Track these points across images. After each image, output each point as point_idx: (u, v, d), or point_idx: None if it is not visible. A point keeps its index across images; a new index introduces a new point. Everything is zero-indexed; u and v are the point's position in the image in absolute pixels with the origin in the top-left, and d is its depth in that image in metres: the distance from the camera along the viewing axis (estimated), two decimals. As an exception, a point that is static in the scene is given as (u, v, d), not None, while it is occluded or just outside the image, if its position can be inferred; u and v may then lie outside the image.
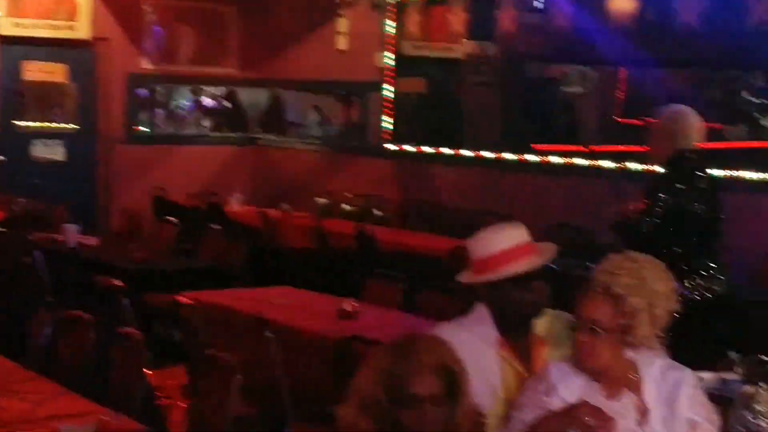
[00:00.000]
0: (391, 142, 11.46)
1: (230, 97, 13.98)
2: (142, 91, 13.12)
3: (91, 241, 9.04)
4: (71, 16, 12.03)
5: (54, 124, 12.50)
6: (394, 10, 11.31)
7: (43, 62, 12.26)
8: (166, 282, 7.87)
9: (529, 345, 3.43)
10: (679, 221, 5.56)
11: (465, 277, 3.47)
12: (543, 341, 3.43)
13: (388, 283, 6.82)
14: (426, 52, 11.84)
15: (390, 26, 11.33)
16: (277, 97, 13.71)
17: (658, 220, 5.53)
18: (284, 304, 6.44)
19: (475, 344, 3.33)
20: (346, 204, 11.45)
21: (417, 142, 11.26)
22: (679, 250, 5.44)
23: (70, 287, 8.02)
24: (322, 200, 11.69)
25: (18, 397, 4.49)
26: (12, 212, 9.67)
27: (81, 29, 12.11)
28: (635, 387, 3.15)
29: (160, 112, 13.74)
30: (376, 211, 10.84)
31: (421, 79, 12.02)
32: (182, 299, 6.18)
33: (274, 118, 13.77)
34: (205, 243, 9.05)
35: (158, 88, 13.52)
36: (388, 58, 11.39)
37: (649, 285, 3.11)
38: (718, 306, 5.62)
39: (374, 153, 11.66)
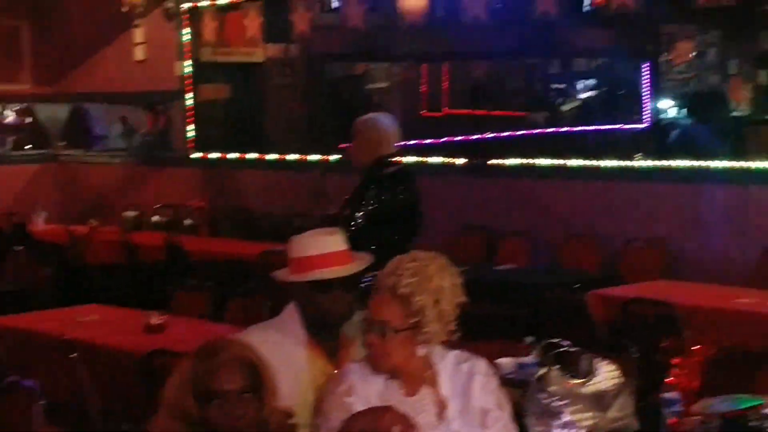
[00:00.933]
0: (196, 150, 11.39)
1: (27, 113, 13.62)
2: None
3: None
4: None
5: None
6: (188, 17, 11.23)
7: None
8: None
9: (336, 344, 3.49)
10: (384, 220, 6.02)
11: (279, 275, 3.51)
12: (351, 342, 3.48)
13: (197, 293, 6.80)
14: (225, 58, 11.82)
15: (186, 34, 11.25)
16: (80, 110, 13.45)
17: (362, 222, 5.97)
18: (90, 322, 6.33)
19: (283, 343, 3.37)
20: (155, 215, 11.32)
21: (223, 149, 11.23)
22: (388, 242, 5.81)
23: None
24: (130, 213, 11.52)
25: None
26: None
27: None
28: (431, 382, 3.22)
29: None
30: (185, 221, 10.76)
31: (225, 85, 11.98)
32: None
33: (77, 133, 13.49)
34: (9, 264, 8.82)
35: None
36: (187, 66, 11.31)
37: (434, 282, 3.18)
38: None
39: (180, 162, 11.57)
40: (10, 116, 13.60)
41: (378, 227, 5.97)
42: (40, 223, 11.19)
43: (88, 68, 12.75)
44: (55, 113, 13.49)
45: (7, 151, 13.36)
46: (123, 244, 9.67)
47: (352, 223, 5.92)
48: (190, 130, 11.41)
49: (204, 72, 11.56)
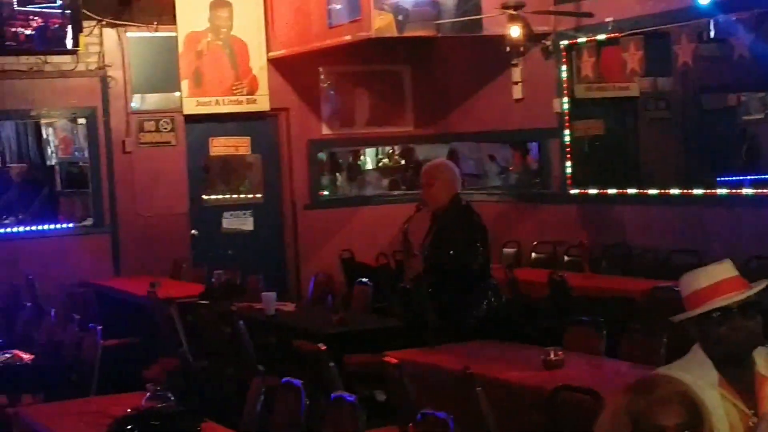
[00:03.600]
0: (573, 186, 11.39)
1: (407, 154, 14.15)
2: (323, 156, 13.41)
3: (289, 307, 9.26)
4: (251, 90, 12.42)
5: (241, 195, 12.87)
6: (566, 53, 11.28)
7: (228, 137, 12.68)
8: (363, 343, 8.01)
9: (749, 382, 3.37)
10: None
11: (677, 316, 3.46)
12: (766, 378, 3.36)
13: (589, 330, 6.77)
14: (600, 93, 11.79)
15: (564, 71, 11.30)
16: (453, 150, 13.81)
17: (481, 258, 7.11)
18: (486, 357, 6.46)
19: (698, 384, 3.29)
20: (534, 252, 11.42)
21: (598, 185, 11.16)
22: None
23: (273, 354, 8.24)
24: (509, 250, 11.69)
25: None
26: (210, 284, 9.98)
27: (261, 102, 12.49)
28: None
29: (341, 175, 14.03)
30: (565, 257, 10.78)
31: (599, 121, 11.94)
32: (389, 359, 6.26)
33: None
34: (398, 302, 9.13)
35: (338, 151, 13.79)
36: (564, 103, 11.35)
37: None
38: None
39: (557, 199, 11.61)
40: (383, 159, 14.25)
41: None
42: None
43: (463, 109, 13.07)
44: (431, 154, 13.89)
45: (384, 192, 13.91)
46: (508, 280, 9.80)
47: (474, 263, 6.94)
48: (568, 167, 11.41)
49: (579, 108, 11.56)
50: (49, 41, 11.36)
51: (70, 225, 12.17)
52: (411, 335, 7.19)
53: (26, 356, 7.19)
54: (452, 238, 7.02)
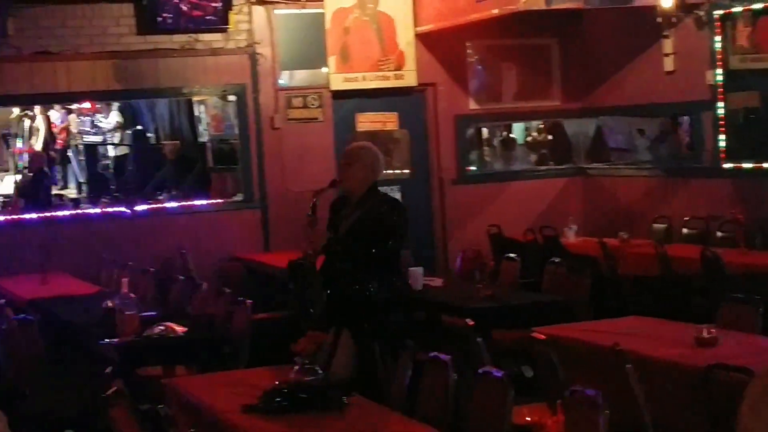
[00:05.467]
0: (727, 160, 11.08)
1: (555, 128, 13.99)
2: (470, 131, 13.35)
3: (436, 282, 9.25)
4: (398, 66, 12.44)
5: (388, 171, 12.90)
6: (720, 24, 10.96)
7: (375, 113, 12.71)
8: (511, 318, 7.96)
9: None
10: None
11: None
12: None
13: (744, 307, 6.58)
14: (756, 65, 11.41)
15: (718, 41, 10.98)
16: (599, 125, 13.61)
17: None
18: (638, 333, 6.34)
19: None
20: (685, 228, 11.16)
21: (753, 158, 10.84)
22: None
23: (420, 328, 8.24)
24: (659, 225, 11.46)
25: (391, 440, 4.64)
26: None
27: (408, 77, 12.49)
28: None
29: (488, 150, 13.96)
30: (717, 233, 10.51)
31: (754, 93, 11.57)
32: (537, 335, 6.19)
33: (596, 146, 13.66)
34: (546, 277, 9.06)
35: (485, 126, 13.73)
36: (718, 75, 11.04)
37: None
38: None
39: (710, 173, 11.32)
40: (532, 135, 14.14)
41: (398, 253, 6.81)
42: (571, 236, 11.45)
43: (612, 82, 12.84)
44: (580, 128, 13.72)
45: (532, 167, 13.80)
46: (658, 256, 9.60)
47: (374, 250, 6.49)
48: (721, 141, 11.11)
49: (733, 80, 11.22)
50: (200, 20, 11.58)
51: (221, 201, 12.39)
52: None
53: (179, 328, 7.33)
54: (378, 230, 6.58)
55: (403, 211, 6.78)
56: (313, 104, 12.26)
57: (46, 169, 14.02)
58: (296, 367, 5.37)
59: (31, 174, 13.68)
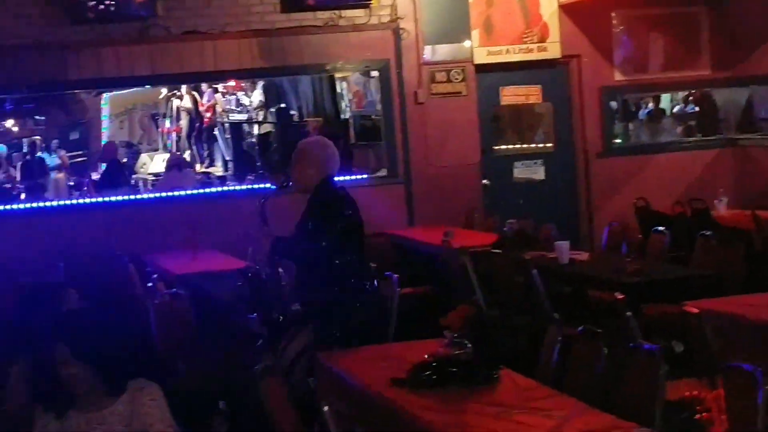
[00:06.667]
0: None
1: (703, 99, 13.66)
2: (615, 103, 13.13)
3: (582, 256, 9.13)
4: (542, 38, 12.29)
5: (531, 145, 12.80)
6: None
7: (518, 86, 12.60)
8: (660, 293, 7.80)
9: None
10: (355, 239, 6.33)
11: None
12: None
13: None
14: None
15: None
16: (750, 94, 13.23)
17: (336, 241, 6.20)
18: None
19: None
20: None
21: None
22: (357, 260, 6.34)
23: (566, 303, 8.15)
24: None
25: (542, 414, 4.58)
26: (503, 234, 9.97)
27: (552, 49, 12.34)
28: None
29: (633, 122, 13.72)
30: None
31: None
32: (690, 308, 6.05)
33: (747, 117, 13.30)
34: (697, 250, 8.85)
35: (631, 98, 13.49)
36: None
37: None
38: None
39: None
40: (678, 106, 13.82)
41: (348, 246, 6.25)
42: (722, 209, 11.18)
43: (765, 50, 12.47)
44: (731, 98, 13.37)
45: (679, 138, 13.52)
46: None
47: (324, 243, 6.11)
48: None
49: None
50: (343, -4, 11.65)
51: (365, 176, 12.45)
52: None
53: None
54: (313, 226, 6.32)
55: (350, 205, 6.41)
56: (456, 78, 12.20)
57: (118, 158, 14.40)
58: (445, 341, 5.34)
59: (105, 164, 14.04)
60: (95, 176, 15.13)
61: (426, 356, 5.26)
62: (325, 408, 4.64)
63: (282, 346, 6.29)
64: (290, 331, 6.40)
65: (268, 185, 11.90)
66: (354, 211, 6.39)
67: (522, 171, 12.71)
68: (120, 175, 13.85)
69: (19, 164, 16.76)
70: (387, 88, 12.21)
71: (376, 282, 6.66)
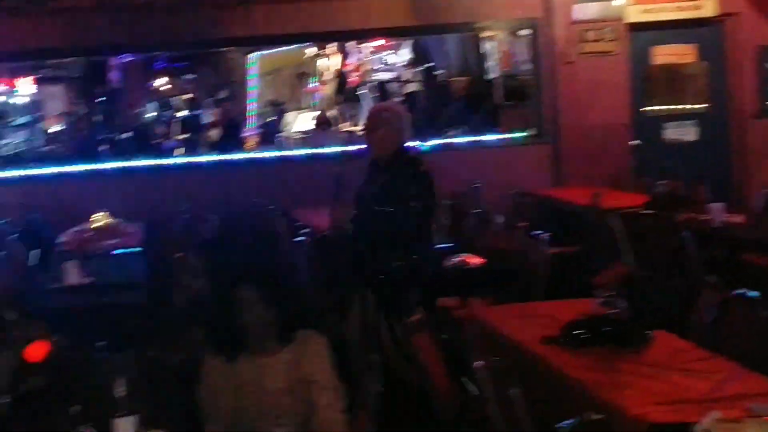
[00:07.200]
0: None
1: None
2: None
3: (737, 218, 8.89)
4: (698, -5, 12.01)
5: (684, 106, 12.51)
6: None
7: (671, 45, 12.31)
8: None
9: None
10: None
11: None
12: None
13: None
14: None
15: None
16: None
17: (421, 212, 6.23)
18: None
19: None
20: None
21: None
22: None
23: (719, 266, 7.96)
24: None
25: (698, 376, 4.49)
26: (655, 195, 9.79)
27: (708, 7, 12.01)
28: None
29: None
30: None
31: None
32: None
33: None
34: None
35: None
36: None
37: None
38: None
39: None
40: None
41: (422, 213, 6.25)
42: None
43: None
44: None
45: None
46: None
47: (398, 209, 6.12)
48: None
49: None
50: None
51: (511, 136, 12.36)
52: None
53: (476, 260, 7.38)
54: (400, 194, 6.27)
55: (430, 176, 6.42)
56: (607, 37, 11.99)
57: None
58: (598, 300, 5.27)
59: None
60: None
61: (578, 315, 5.20)
62: (479, 363, 4.63)
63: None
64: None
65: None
66: (429, 179, 6.37)
67: (673, 132, 12.45)
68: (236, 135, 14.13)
69: (175, 122, 17.11)
70: (536, 48, 12.08)
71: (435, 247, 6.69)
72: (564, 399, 4.57)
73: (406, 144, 6.58)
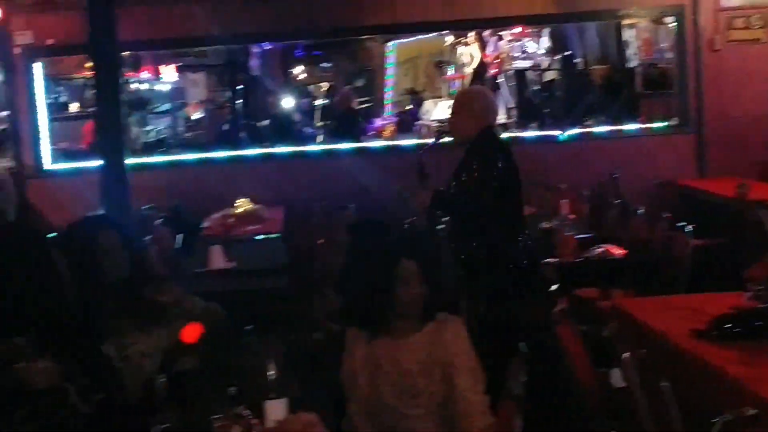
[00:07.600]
0: None
1: None
2: None
3: None
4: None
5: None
6: None
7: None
8: None
9: None
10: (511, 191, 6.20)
11: None
12: None
13: None
14: None
15: None
16: None
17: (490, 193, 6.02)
18: None
19: None
20: None
21: None
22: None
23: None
24: None
25: None
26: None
27: None
28: None
29: None
30: None
31: None
32: None
33: None
34: None
35: None
36: None
37: None
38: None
39: None
40: None
41: (505, 199, 6.07)
42: None
43: None
44: None
45: None
46: None
47: (479, 195, 5.96)
48: None
49: None
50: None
51: (652, 125, 12.15)
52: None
53: (617, 251, 7.29)
54: (469, 176, 6.07)
55: (507, 157, 6.22)
56: (755, 24, 11.68)
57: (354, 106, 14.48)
58: (749, 294, 5.14)
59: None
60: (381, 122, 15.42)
61: (728, 309, 5.08)
62: (626, 355, 4.56)
63: None
64: None
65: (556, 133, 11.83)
66: (510, 164, 6.24)
67: None
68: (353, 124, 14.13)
69: (316, 109, 17.28)
70: (681, 35, 11.85)
71: (529, 239, 6.44)
72: (716, 393, 4.46)
73: (490, 126, 6.44)
